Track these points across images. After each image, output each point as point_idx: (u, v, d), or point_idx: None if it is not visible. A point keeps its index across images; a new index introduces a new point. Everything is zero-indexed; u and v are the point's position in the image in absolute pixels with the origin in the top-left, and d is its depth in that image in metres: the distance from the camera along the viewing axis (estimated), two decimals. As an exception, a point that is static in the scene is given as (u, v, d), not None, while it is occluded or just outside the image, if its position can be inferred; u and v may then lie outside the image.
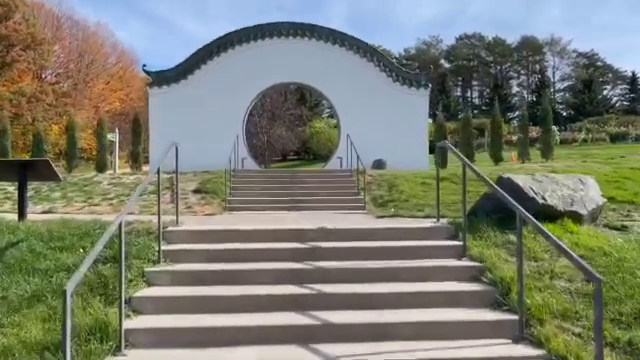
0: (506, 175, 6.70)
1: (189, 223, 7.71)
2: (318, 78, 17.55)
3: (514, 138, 39.71)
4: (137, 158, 17.46)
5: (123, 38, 74.98)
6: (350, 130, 16.25)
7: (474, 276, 5.54)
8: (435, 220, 7.63)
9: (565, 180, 6.97)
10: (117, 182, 13.70)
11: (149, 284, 5.53)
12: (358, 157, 13.60)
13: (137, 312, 5.01)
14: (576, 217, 6.71)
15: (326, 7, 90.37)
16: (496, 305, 5.01)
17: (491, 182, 5.74)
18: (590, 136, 39.21)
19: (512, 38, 76.55)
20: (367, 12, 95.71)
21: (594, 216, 7.05)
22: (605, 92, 69.66)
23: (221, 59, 17.56)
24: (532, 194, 6.50)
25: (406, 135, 17.14)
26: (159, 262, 5.93)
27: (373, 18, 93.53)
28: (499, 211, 6.53)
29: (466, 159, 6.49)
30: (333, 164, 17.41)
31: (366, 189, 12.65)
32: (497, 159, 17.89)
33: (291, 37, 17.78)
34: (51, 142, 37.20)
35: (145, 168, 18.01)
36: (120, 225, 4.57)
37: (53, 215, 10.26)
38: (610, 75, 74.71)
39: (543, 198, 6.51)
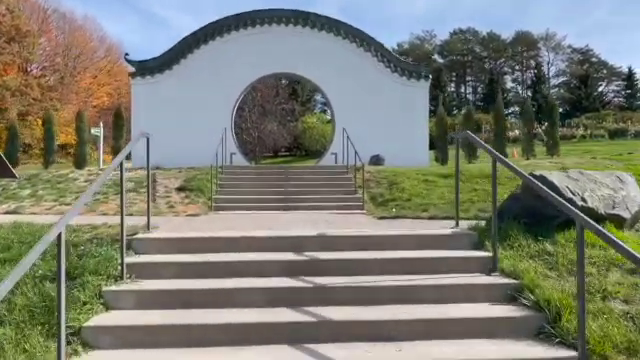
0: (538, 172, 5.66)
1: (165, 227, 6.64)
2: (312, 68, 16.47)
3: (511, 134, 38.98)
4: (118, 153, 16.30)
5: (117, 33, 73.20)
6: (345, 124, 15.20)
7: (509, 296, 4.51)
8: (453, 225, 6.57)
9: (603, 178, 5.97)
10: (94, 179, 12.55)
11: (108, 308, 4.43)
12: (356, 153, 12.56)
13: (89, 347, 3.91)
14: (618, 221, 5.72)
15: (318, 0, 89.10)
16: (544, 336, 3.97)
17: (534, 180, 4.67)
18: (589, 132, 38.46)
19: (506, 33, 75.85)
20: (360, 6, 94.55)
21: (635, 220, 6.06)
22: (600, 88, 69.09)
23: (209, 48, 16.44)
24: (569, 194, 5.49)
25: (405, 130, 16.14)
26: (122, 279, 4.84)
27: (366, 12, 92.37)
28: (529, 214, 5.53)
29: (495, 152, 5.39)
30: (327, 160, 16.37)
31: (364, 187, 11.63)
32: (500, 153, 16.92)
33: (283, 25, 16.67)
34: (37, 137, 35.82)
35: (128, 164, 16.85)
36: (59, 236, 3.47)
37: (18, 216, 9.15)
38: (605, 71, 74.17)
39: (583, 199, 5.50)
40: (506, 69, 79.39)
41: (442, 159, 16.80)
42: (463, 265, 5.05)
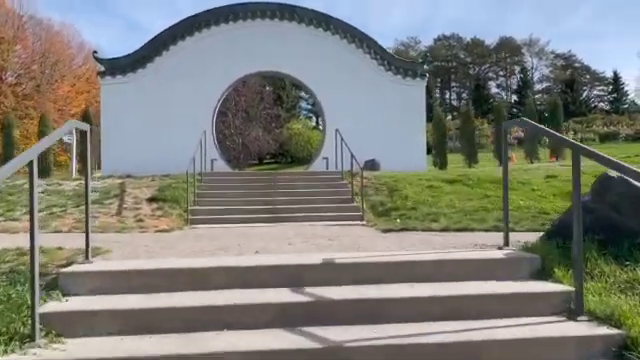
0: (613, 173, 4.31)
1: (120, 252, 5.10)
2: (299, 66, 15.13)
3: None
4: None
5: (98, 41, 70.62)
6: (337, 126, 13.88)
7: (613, 355, 3.12)
8: (500, 244, 5.02)
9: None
10: (54, 189, 10.99)
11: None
12: (352, 156, 11.23)
13: None
14: None
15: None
16: None
17: None
18: (579, 136, 37.74)
19: (490, 39, 75.64)
20: (339, 13, 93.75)
21: None
22: (584, 94, 68.98)
23: (186, 44, 14.99)
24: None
25: (401, 132, 14.87)
26: (33, 340, 3.17)
27: (348, 19, 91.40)
28: (605, 229, 4.21)
29: (579, 144, 3.93)
30: (318, 165, 15.00)
31: (363, 194, 10.28)
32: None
33: (267, 19, 15.32)
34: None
35: (98, 173, 15.25)
36: None
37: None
38: (588, 76, 74.27)
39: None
40: (490, 75, 79.18)
41: (441, 163, 15.57)
42: (529, 305, 3.58)
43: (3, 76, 45.96)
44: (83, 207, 9.70)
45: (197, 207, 10.23)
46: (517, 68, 76.26)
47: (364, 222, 9.46)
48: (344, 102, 14.94)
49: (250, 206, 10.40)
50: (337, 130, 13.17)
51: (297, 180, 12.25)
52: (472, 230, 8.15)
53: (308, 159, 41.28)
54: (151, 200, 10.22)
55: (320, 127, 55.56)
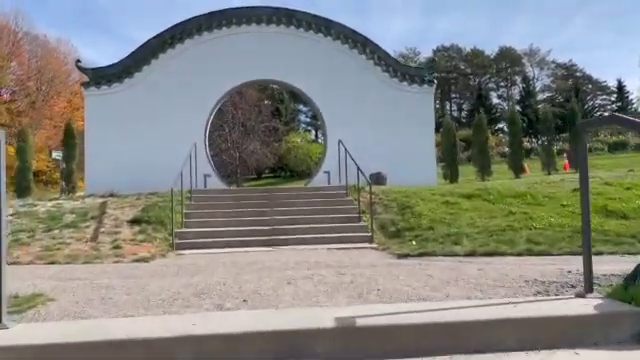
0: None
1: (59, 303, 3.79)
2: (298, 74, 14.06)
3: (506, 149, 37.28)
4: (70, 177, 13.57)
5: (93, 58, 69.56)
6: (339, 138, 12.79)
7: None
8: (562, 280, 3.83)
9: None
10: (26, 211, 9.82)
11: None
12: (359, 169, 10.12)
13: None
14: None
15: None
16: None
17: None
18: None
19: (489, 50, 74.97)
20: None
21: None
22: (589, 103, 68.11)
23: (177, 52, 13.94)
24: None
25: (409, 142, 13.74)
26: None
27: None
28: None
29: None
30: (319, 180, 13.84)
31: (372, 212, 9.13)
32: (517, 170, 14.61)
33: (264, 24, 14.28)
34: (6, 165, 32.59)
35: (80, 192, 14.12)
36: None
37: None
38: (590, 86, 73.47)
39: None
40: (491, 85, 78.41)
41: (451, 176, 14.44)
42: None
43: (-1, 93, 45.13)
44: (54, 231, 8.57)
45: (185, 229, 9.08)
46: (518, 78, 75.52)
47: (374, 244, 8.30)
48: (346, 111, 13.86)
49: (244, 227, 9.25)
50: (340, 141, 12.07)
51: (297, 197, 11.10)
52: (502, 254, 7.02)
53: (308, 173, 40.19)
54: (133, 222, 9.06)
55: (320, 140, 54.70)
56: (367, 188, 10.33)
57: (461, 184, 12.43)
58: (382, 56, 14.66)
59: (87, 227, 8.67)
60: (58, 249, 7.42)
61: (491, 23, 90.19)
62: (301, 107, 55.36)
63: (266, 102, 40.31)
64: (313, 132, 60.68)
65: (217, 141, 31.34)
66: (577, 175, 3.45)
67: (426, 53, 78.54)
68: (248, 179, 37.84)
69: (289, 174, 39.51)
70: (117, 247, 7.66)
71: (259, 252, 7.83)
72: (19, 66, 48.23)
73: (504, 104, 76.69)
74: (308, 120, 60.95)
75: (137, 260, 6.84)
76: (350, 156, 10.85)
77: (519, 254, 7.03)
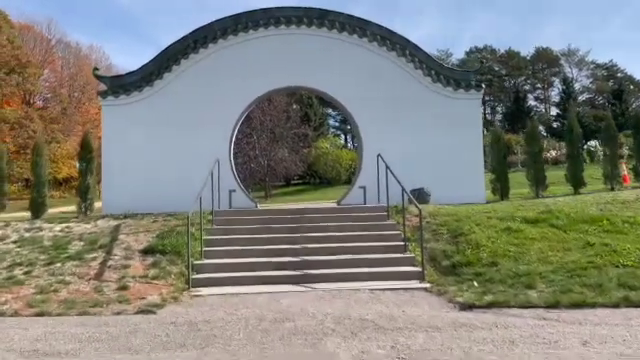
0: None
1: None
2: (331, 80, 12.76)
3: (550, 153, 35.36)
4: (86, 194, 12.59)
5: (124, 64, 69.85)
6: (376, 150, 11.48)
7: None
8: None
9: None
10: (30, 237, 8.81)
11: None
12: (404, 190, 8.77)
13: None
14: None
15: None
16: None
17: None
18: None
19: (525, 50, 72.33)
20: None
21: None
22: (633, 104, 64.72)
23: (200, 57, 12.84)
24: None
25: (454, 154, 12.29)
26: None
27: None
28: None
29: None
30: (354, 196, 12.49)
31: (422, 243, 7.76)
32: (577, 182, 12.90)
33: (294, 26, 13.06)
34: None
35: (97, 206, 13.13)
36: None
37: None
38: (632, 87, 69.97)
39: None
40: (527, 87, 75.63)
41: (502, 191, 12.90)
42: None
43: (31, 100, 45.51)
44: (56, 265, 7.44)
45: (204, 261, 7.91)
46: (555, 80, 72.60)
47: (426, 284, 6.94)
48: (384, 120, 12.50)
49: (272, 257, 8.03)
50: (379, 156, 10.74)
51: (330, 219, 9.81)
52: (593, 306, 5.58)
53: (337, 179, 38.91)
54: (146, 252, 7.93)
55: (350, 145, 53.26)
56: (411, 208, 9.01)
57: (517, 204, 10.89)
58: (423, 59, 13.25)
59: (93, 259, 7.57)
60: (55, 291, 6.32)
61: (523, 23, 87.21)
62: (330, 111, 54.12)
63: (295, 106, 39.18)
64: (342, 137, 59.34)
65: (245, 148, 30.35)
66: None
67: (458, 55, 76.50)
68: (276, 186, 36.75)
69: (318, 181, 38.26)
70: (123, 287, 6.52)
71: (290, 294, 6.58)
72: (52, 73, 48.69)
73: (541, 106, 73.99)
74: (337, 124, 59.73)
75: (143, 311, 5.64)
76: (392, 173, 9.52)
77: (615, 305, 5.58)
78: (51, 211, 13.31)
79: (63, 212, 18.97)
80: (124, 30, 76.40)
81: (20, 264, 7.34)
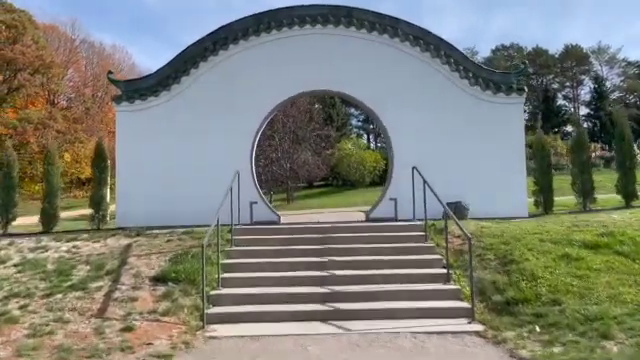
0: None
1: None
2: (359, 83, 11.78)
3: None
4: (100, 204, 11.87)
5: (148, 64, 69.90)
6: (409, 160, 10.51)
7: None
8: None
9: None
10: (32, 259, 8.06)
11: None
12: (446, 210, 7.78)
13: None
14: None
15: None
16: None
17: None
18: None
19: (553, 48, 70.05)
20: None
21: None
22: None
23: (220, 59, 11.99)
24: None
25: (493, 164, 11.21)
26: None
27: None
28: None
29: None
30: (384, 209, 11.50)
31: (460, 265, 6.75)
32: (629, 194, 11.68)
33: (319, 26, 12.12)
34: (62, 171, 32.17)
35: (111, 216, 12.44)
36: None
37: None
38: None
39: None
40: (555, 86, 73.35)
41: (545, 204, 11.78)
42: None
43: (55, 100, 45.62)
44: (57, 297, 6.61)
45: (221, 290, 7.05)
46: (584, 78, 70.19)
47: (477, 326, 5.95)
48: (417, 126, 11.47)
49: (296, 287, 7.13)
50: (415, 168, 9.74)
51: (361, 240, 8.83)
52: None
53: (361, 181, 37.86)
54: (157, 280, 7.10)
55: (372, 146, 52.08)
56: (450, 227, 8.02)
57: (568, 221, 9.72)
58: (459, 60, 12.17)
59: (98, 289, 6.77)
60: (50, 333, 5.53)
61: (550, 20, 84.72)
62: (352, 110, 53.04)
63: (317, 106, 38.27)
64: (365, 136, 58.16)
65: (267, 151, 29.60)
66: None
67: (483, 53, 74.65)
68: (298, 188, 35.92)
69: (341, 183, 37.35)
70: (128, 329, 5.69)
71: (319, 338, 5.66)
72: (76, 73, 48.78)
73: (569, 106, 71.65)
74: (359, 124, 58.59)
75: (149, 356, 4.79)
76: (431, 189, 8.54)
77: None
78: (69, 214, 12.64)
79: (81, 216, 18.38)
80: (148, 31, 76.57)
81: (17, 294, 6.58)
